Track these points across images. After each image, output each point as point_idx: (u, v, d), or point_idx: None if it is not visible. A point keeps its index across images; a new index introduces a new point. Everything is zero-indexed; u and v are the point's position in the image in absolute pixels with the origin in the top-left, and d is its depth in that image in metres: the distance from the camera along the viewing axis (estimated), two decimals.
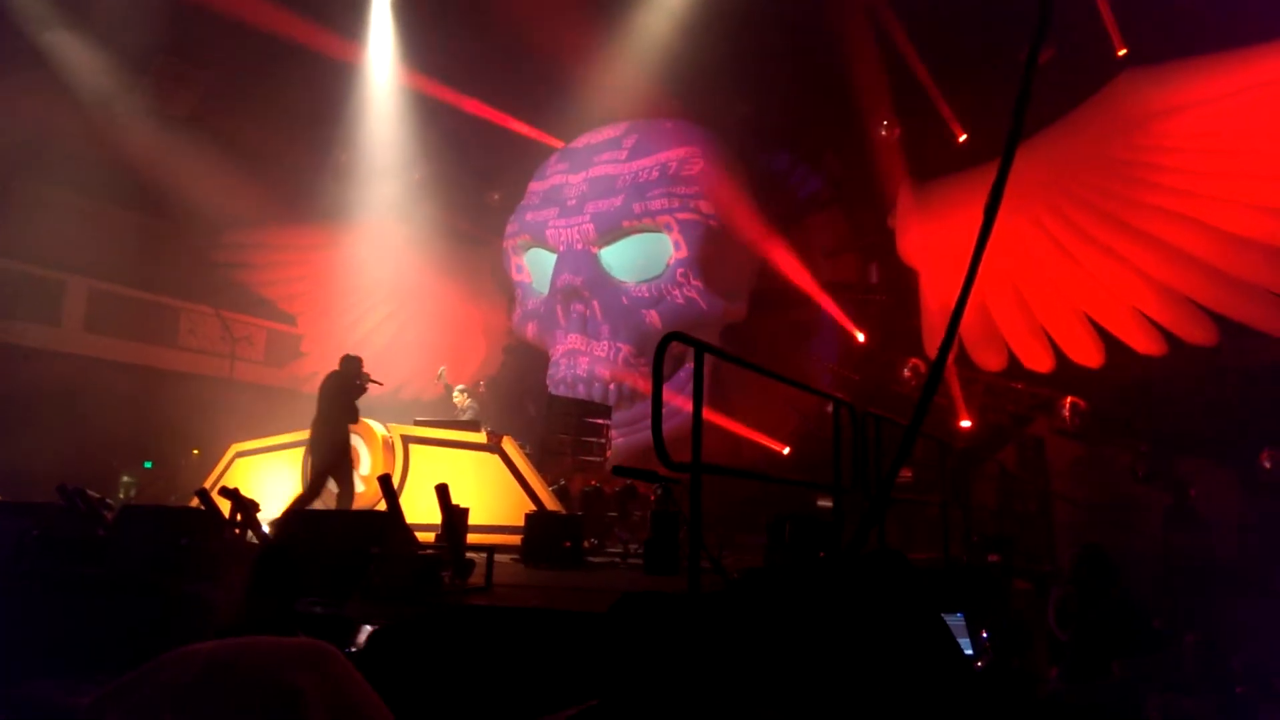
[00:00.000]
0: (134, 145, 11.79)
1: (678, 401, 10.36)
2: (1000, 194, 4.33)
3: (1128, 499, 9.76)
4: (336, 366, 7.52)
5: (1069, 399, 10.29)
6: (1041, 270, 10.12)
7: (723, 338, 12.51)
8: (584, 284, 12.63)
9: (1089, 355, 9.77)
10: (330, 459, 7.16)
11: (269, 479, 8.76)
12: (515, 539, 6.68)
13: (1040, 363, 10.16)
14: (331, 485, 7.28)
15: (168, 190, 12.39)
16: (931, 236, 11.12)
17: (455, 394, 10.58)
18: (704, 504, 3.87)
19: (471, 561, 4.34)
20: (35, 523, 4.56)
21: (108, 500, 5.53)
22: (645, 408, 11.98)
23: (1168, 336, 9.18)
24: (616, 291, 12.57)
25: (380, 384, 7.94)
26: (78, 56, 11.19)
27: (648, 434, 3.87)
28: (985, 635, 4.46)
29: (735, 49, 11.86)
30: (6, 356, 11.21)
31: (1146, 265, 9.35)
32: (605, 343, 12.51)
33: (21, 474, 8.73)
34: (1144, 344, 9.32)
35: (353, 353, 7.72)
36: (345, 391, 7.36)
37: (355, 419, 7.46)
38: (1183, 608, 6.85)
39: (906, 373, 11.51)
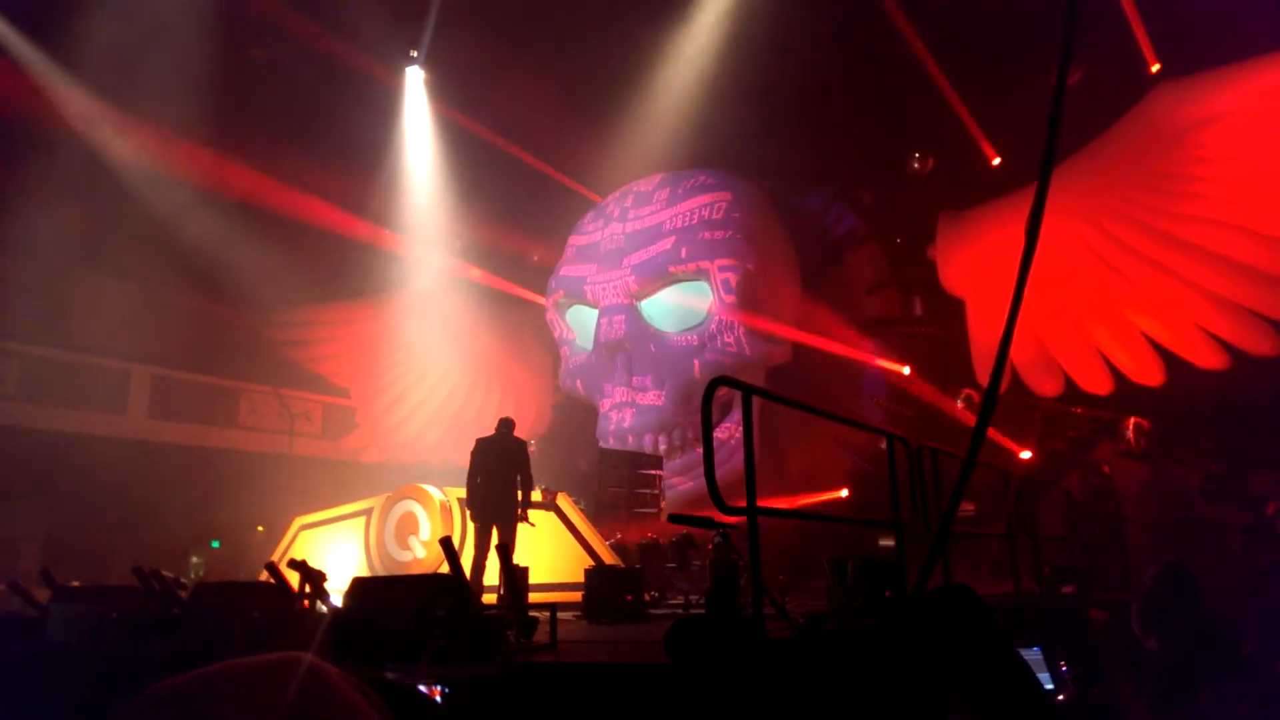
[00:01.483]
0: (186, 234, 12.29)
1: (729, 447, 10.31)
2: (1040, 216, 4.32)
3: (1202, 519, 9.42)
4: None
5: (1132, 420, 10.03)
6: (1092, 291, 9.97)
7: (769, 381, 12.48)
8: (626, 337, 12.74)
9: (1149, 374, 9.54)
10: (503, 516, 7.32)
11: (333, 549, 8.90)
12: (576, 595, 6.67)
13: (1099, 385, 9.94)
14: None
15: (221, 275, 12.86)
16: (974, 265, 11.04)
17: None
18: (762, 549, 3.86)
19: (535, 620, 4.35)
20: (113, 605, 4.68)
21: (181, 580, 5.66)
22: (696, 456, 11.96)
23: (1229, 349, 8.94)
24: (659, 342, 12.65)
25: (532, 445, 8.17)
26: (127, 150, 11.72)
27: (702, 482, 3.88)
28: (1065, 668, 4.33)
29: (762, 95, 12.05)
30: (78, 447, 11.61)
31: (1199, 277, 9.17)
32: (651, 393, 12.56)
33: (96, 560, 9.00)
34: (1205, 358, 9.09)
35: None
36: (513, 452, 7.56)
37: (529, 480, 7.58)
38: (1269, 630, 6.54)
39: (960, 404, 11.34)
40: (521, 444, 7.64)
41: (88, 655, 4.34)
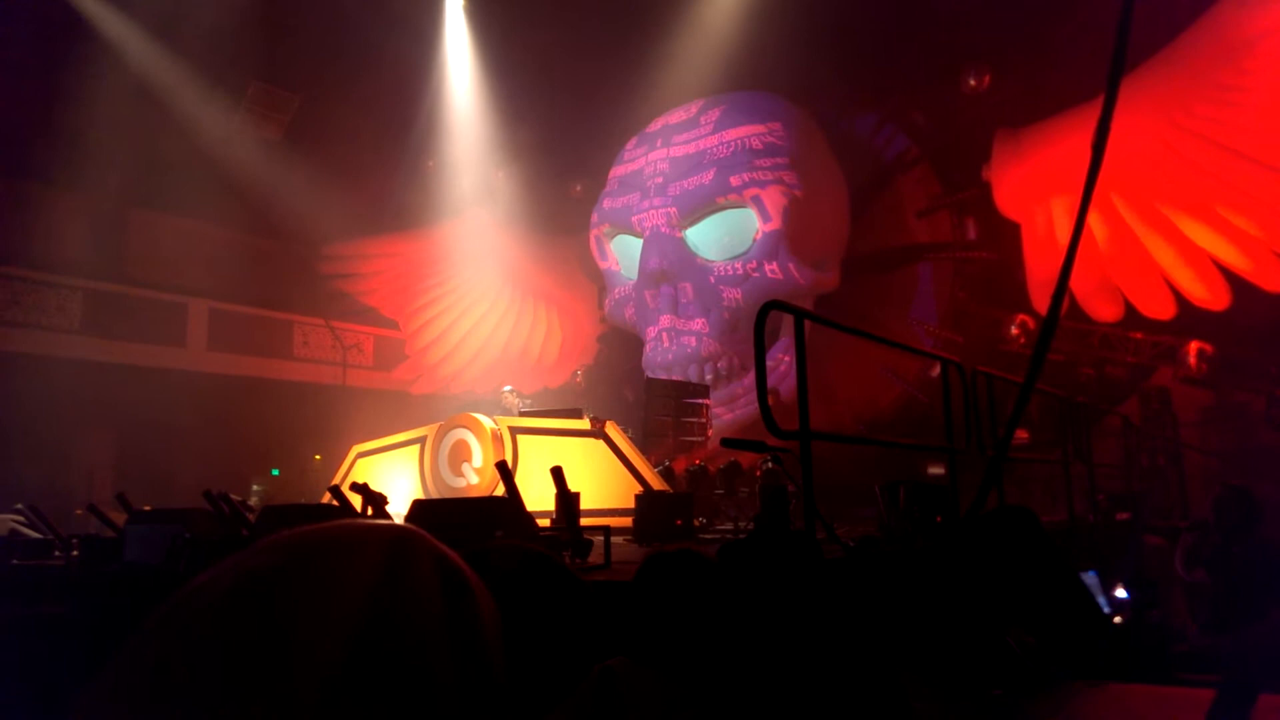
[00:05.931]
0: (239, 169, 12.41)
1: (777, 374, 10.28)
2: (1106, 132, 4.13)
3: (1265, 448, 9.20)
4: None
5: (1195, 345, 9.75)
6: (1155, 211, 9.61)
7: (817, 308, 12.33)
8: (672, 266, 12.64)
9: (1214, 298, 9.23)
10: None
11: (389, 476, 9.14)
12: (626, 521, 6.77)
13: (1161, 310, 9.65)
14: None
15: (274, 210, 13.01)
16: (1032, 185, 10.69)
17: (504, 394, 10.90)
18: (812, 475, 3.86)
19: (589, 541, 4.44)
20: (185, 527, 4.90)
21: (248, 503, 5.88)
22: (740, 386, 11.95)
23: None
24: (705, 271, 12.53)
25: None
26: (179, 87, 11.81)
27: (750, 409, 3.88)
28: (1121, 592, 4.31)
29: (810, 11, 11.65)
30: (141, 379, 12.00)
31: (1269, 196, 8.77)
32: (698, 323, 12.51)
33: (162, 486, 9.38)
34: (1273, 281, 8.76)
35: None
36: None
37: None
38: None
39: (1015, 330, 11.11)
40: None
41: (164, 573, 4.55)
